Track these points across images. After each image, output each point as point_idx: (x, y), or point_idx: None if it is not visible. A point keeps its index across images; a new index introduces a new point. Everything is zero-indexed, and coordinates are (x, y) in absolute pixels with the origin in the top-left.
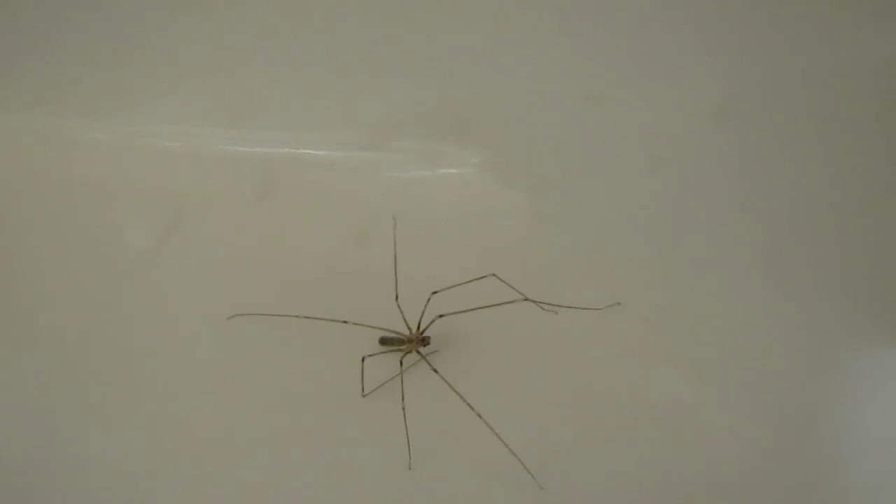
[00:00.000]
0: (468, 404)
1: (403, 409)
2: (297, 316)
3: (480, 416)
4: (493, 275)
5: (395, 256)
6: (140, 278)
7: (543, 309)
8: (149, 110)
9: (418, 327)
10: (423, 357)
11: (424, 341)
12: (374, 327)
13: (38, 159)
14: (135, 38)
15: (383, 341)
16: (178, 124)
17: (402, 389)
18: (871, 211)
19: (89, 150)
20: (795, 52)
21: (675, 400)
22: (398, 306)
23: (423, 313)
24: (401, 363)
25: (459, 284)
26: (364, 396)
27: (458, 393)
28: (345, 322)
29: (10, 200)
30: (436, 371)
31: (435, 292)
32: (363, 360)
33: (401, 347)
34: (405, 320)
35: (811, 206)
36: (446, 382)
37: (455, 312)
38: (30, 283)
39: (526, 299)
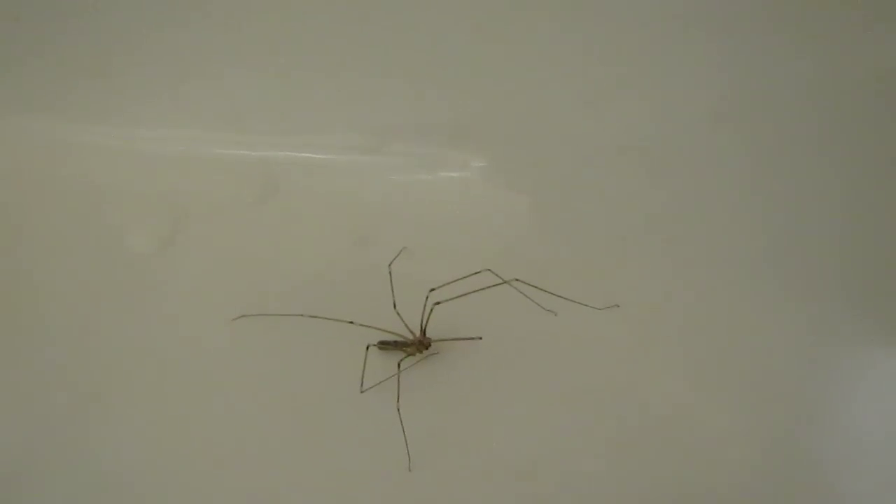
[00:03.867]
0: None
1: (398, 409)
2: (302, 315)
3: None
4: (489, 270)
5: (391, 273)
6: (142, 282)
7: (535, 295)
8: (150, 114)
9: (422, 331)
10: (426, 353)
11: (427, 344)
12: (380, 329)
13: (38, 163)
14: (135, 42)
15: (383, 345)
16: (179, 128)
17: (399, 391)
18: (871, 214)
19: (90, 154)
20: (795, 57)
21: (673, 402)
22: (398, 314)
23: (423, 313)
24: (398, 365)
25: (456, 280)
26: (362, 392)
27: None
28: (351, 322)
29: (10, 205)
30: (437, 352)
31: (433, 289)
32: (367, 348)
33: (405, 349)
34: (407, 325)
35: (810, 210)
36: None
37: (451, 298)
38: (31, 288)
39: (517, 280)
